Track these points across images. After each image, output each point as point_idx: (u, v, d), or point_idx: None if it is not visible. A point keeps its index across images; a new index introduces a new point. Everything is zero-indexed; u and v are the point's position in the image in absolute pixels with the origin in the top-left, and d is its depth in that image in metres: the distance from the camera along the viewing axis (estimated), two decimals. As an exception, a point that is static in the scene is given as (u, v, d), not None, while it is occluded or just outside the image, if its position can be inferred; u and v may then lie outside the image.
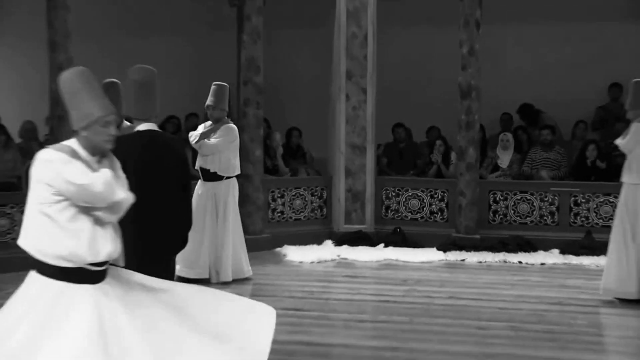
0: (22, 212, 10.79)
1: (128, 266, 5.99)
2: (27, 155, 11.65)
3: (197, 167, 9.97)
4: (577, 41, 13.47)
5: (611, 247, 9.08)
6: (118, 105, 8.75)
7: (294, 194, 12.59)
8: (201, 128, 10.07)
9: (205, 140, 9.82)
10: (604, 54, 13.32)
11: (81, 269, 4.34)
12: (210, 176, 9.88)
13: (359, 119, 12.49)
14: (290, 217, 12.56)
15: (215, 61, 13.86)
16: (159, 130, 6.43)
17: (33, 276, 4.41)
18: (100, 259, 4.38)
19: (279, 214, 12.47)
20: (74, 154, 4.38)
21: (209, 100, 9.91)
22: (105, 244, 4.41)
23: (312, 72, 13.50)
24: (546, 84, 13.62)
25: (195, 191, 9.62)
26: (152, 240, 6.09)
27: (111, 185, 4.37)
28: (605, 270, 9.19)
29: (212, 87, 9.96)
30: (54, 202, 4.28)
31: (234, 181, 10.10)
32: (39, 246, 4.32)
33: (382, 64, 12.60)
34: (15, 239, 10.45)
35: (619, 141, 9.51)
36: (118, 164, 4.66)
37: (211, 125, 9.97)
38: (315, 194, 12.74)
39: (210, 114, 9.96)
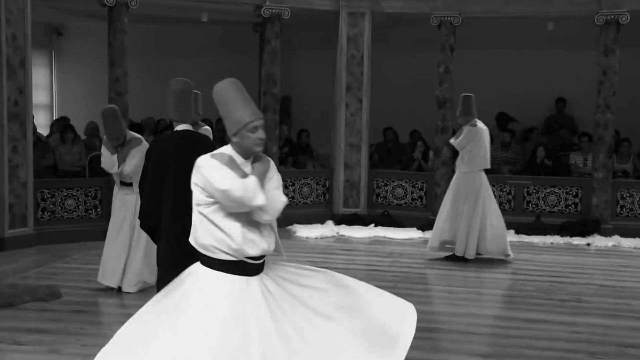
0: (86, 194, 10.88)
1: (172, 233, 6.05)
2: (90, 150, 11.68)
3: None
4: (531, 63, 13.43)
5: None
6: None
7: (302, 182, 12.56)
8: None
9: None
10: (552, 74, 13.28)
11: (241, 262, 3.94)
12: None
13: (355, 123, 12.46)
14: (299, 202, 12.53)
15: (240, 75, 13.65)
16: (192, 130, 6.42)
17: (199, 269, 4.05)
18: (256, 253, 3.96)
19: (290, 199, 12.43)
20: (228, 160, 3.98)
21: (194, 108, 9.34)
22: (261, 240, 3.99)
23: (319, 85, 13.46)
24: (506, 98, 13.57)
25: None
26: (189, 218, 6.09)
27: (251, 191, 3.87)
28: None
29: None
30: (209, 204, 3.94)
31: None
32: (202, 242, 4.00)
33: (375, 79, 12.57)
34: (80, 216, 10.62)
35: (452, 140, 9.89)
36: (271, 165, 4.16)
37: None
38: (320, 183, 12.71)
39: (195, 118, 9.26)
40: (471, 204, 9.49)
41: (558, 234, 11.40)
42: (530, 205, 12.15)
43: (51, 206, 10.59)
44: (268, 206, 3.96)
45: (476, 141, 9.55)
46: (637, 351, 6.25)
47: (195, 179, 3.99)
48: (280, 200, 4.09)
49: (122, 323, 6.80)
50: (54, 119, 13.98)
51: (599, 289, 8.44)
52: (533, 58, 13.43)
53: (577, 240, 11.17)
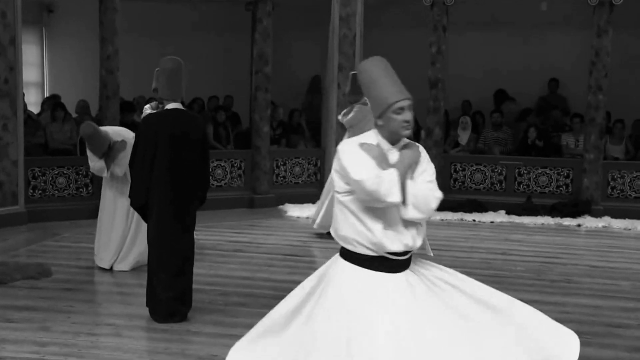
0: (77, 172, 10.80)
1: (164, 211, 6.04)
2: (81, 128, 11.62)
3: None
4: (524, 44, 13.42)
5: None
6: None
7: (294, 162, 12.54)
8: (149, 108, 8.60)
9: None
10: (546, 55, 13.26)
11: (382, 257, 3.63)
12: None
13: (347, 104, 12.38)
14: (291, 181, 12.52)
15: (233, 55, 13.80)
16: (183, 108, 6.41)
17: (339, 262, 3.77)
18: (398, 249, 3.64)
19: (282, 178, 12.43)
20: (371, 147, 3.64)
21: (154, 84, 9.06)
22: (404, 235, 3.65)
23: (312, 64, 13.40)
24: (499, 78, 13.59)
25: None
26: (180, 192, 6.11)
27: (386, 186, 3.51)
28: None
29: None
30: (347, 192, 3.63)
31: None
32: (342, 234, 3.69)
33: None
34: (71, 194, 10.59)
35: (341, 117, 9.77)
36: (422, 155, 3.80)
37: (158, 105, 8.61)
38: (311, 162, 12.69)
39: (157, 96, 8.94)
40: None
41: (549, 215, 11.42)
42: (521, 186, 12.17)
43: (42, 184, 10.55)
44: (419, 203, 3.61)
45: (367, 120, 9.53)
46: (625, 331, 6.28)
47: (335, 164, 3.70)
48: (434, 196, 3.67)
49: (112, 301, 6.83)
50: (45, 96, 13.89)
51: (589, 270, 8.47)
52: (526, 39, 13.40)
53: (567, 221, 11.20)
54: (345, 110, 9.73)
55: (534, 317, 3.95)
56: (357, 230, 3.63)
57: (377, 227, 3.59)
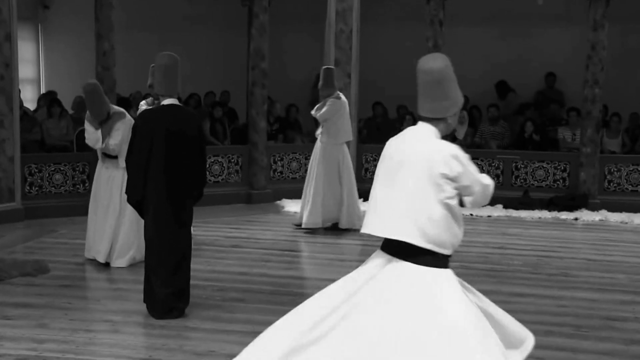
0: (73, 169, 10.76)
1: (160, 207, 6.04)
2: (78, 124, 11.60)
3: None
4: (521, 39, 13.41)
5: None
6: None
7: (290, 157, 12.53)
8: (144, 104, 8.68)
9: None
10: (543, 50, 13.26)
11: (448, 255, 3.68)
12: None
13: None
14: (288, 176, 12.51)
15: (229, 50, 13.78)
16: (179, 104, 6.41)
17: (408, 267, 3.62)
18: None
19: (279, 174, 12.43)
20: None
21: (150, 81, 8.52)
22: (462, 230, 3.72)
23: (308, 59, 13.39)
24: (496, 72, 13.59)
25: None
26: (177, 188, 6.11)
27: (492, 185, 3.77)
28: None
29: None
30: (453, 196, 3.61)
31: None
32: (442, 238, 3.59)
33: (363, 54, 12.52)
34: (67, 190, 10.58)
35: (314, 112, 9.79)
36: None
37: (154, 102, 8.37)
38: (308, 158, 12.63)
39: (153, 93, 8.15)
40: (336, 175, 9.60)
41: (546, 209, 11.44)
42: (518, 180, 12.18)
43: (38, 181, 10.53)
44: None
45: (340, 114, 9.63)
46: (622, 324, 6.29)
47: (447, 169, 3.59)
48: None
49: (110, 297, 6.81)
50: (41, 93, 13.88)
51: (586, 263, 8.49)
52: (523, 33, 13.40)
53: (564, 215, 11.21)
54: (318, 105, 9.76)
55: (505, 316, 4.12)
56: (454, 232, 3.64)
57: (461, 227, 3.70)
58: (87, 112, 7.90)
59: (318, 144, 9.77)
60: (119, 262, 7.78)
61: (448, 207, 3.60)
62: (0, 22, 9.72)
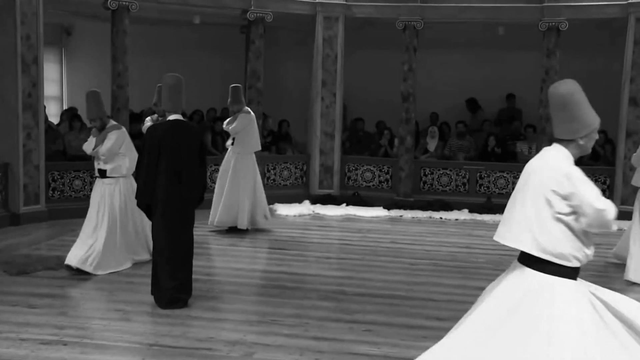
0: (91, 175, 10.68)
1: (167, 210, 6.02)
2: (95, 136, 11.54)
3: None
4: (485, 63, 13.45)
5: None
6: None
7: (282, 166, 12.52)
8: (149, 120, 8.80)
9: None
10: (504, 72, 13.30)
11: (578, 268, 3.50)
12: None
13: (330, 114, 12.42)
14: (280, 183, 12.50)
15: (228, 71, 13.74)
16: (184, 120, 6.41)
17: (542, 278, 3.51)
18: (590, 258, 3.54)
19: (272, 181, 12.41)
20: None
21: (155, 99, 8.80)
22: (591, 246, 3.54)
23: (298, 80, 13.40)
24: (464, 93, 13.63)
25: None
26: (180, 195, 6.10)
27: (614, 216, 3.44)
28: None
29: (157, 87, 8.51)
30: (569, 213, 3.44)
31: None
32: (560, 250, 3.45)
33: (347, 76, 12.54)
34: (86, 195, 10.51)
35: (225, 126, 9.58)
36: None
37: (158, 118, 8.59)
38: (298, 167, 12.68)
39: (158, 110, 8.66)
40: (250, 182, 9.46)
41: (506, 213, 11.44)
42: (482, 187, 12.22)
43: (60, 186, 10.49)
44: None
45: (250, 127, 9.54)
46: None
47: (558, 186, 3.45)
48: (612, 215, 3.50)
49: (122, 289, 6.78)
50: (64, 109, 13.81)
51: (540, 261, 8.49)
52: (486, 58, 13.44)
53: (522, 218, 11.21)
54: (229, 120, 9.53)
55: None
56: (576, 246, 3.47)
57: (590, 240, 3.51)
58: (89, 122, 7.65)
59: (230, 154, 9.49)
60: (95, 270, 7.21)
61: (564, 222, 3.45)
62: (29, 47, 9.69)
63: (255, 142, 9.65)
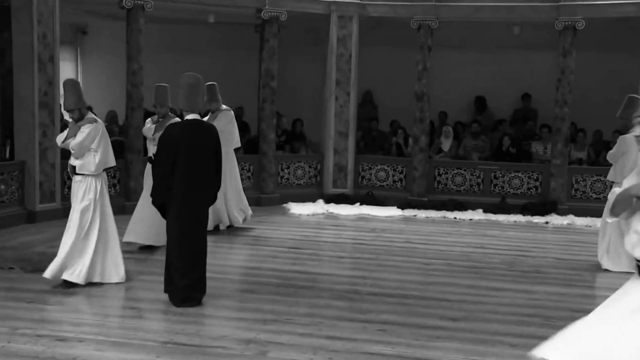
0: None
1: (182, 209, 6.04)
2: (110, 135, 11.56)
3: (149, 154, 8.42)
4: (500, 63, 13.39)
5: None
6: (166, 102, 8.70)
7: (296, 165, 12.53)
8: (149, 122, 8.73)
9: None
10: (520, 72, 13.25)
11: None
12: None
13: (344, 114, 12.41)
14: (294, 182, 12.51)
15: (243, 70, 13.79)
16: (201, 119, 6.42)
17: None
18: None
19: (286, 180, 12.43)
20: None
21: (154, 100, 8.64)
22: None
23: (312, 79, 13.41)
24: (479, 92, 13.58)
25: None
26: (195, 195, 6.12)
27: None
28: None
29: (155, 87, 8.58)
30: None
31: None
32: None
33: (361, 75, 12.53)
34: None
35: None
36: None
37: (158, 120, 8.57)
38: (312, 166, 12.68)
39: (157, 111, 8.60)
40: (234, 180, 9.52)
41: (520, 213, 11.42)
42: (496, 187, 12.17)
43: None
44: None
45: (232, 123, 9.50)
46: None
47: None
48: None
49: (136, 287, 6.81)
50: (78, 107, 13.88)
51: (555, 262, 8.49)
52: (501, 58, 13.38)
53: (537, 219, 11.20)
54: (208, 118, 9.17)
55: None
56: None
57: None
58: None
59: None
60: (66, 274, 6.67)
61: None
62: (45, 46, 9.76)
63: (236, 140, 9.63)
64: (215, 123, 8.64)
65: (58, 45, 10.00)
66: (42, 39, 9.73)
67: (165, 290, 6.27)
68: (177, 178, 6.10)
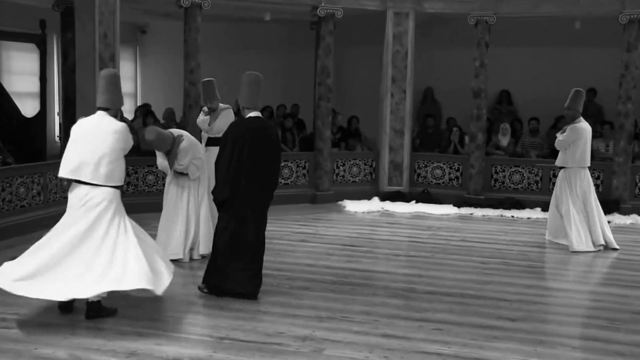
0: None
1: (242, 206, 6.11)
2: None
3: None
4: (560, 59, 13.15)
5: None
6: (214, 98, 8.71)
7: (352, 163, 12.51)
8: (202, 115, 8.80)
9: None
10: (580, 69, 12.96)
11: None
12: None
13: (399, 111, 12.34)
14: (349, 180, 12.50)
15: (299, 68, 13.85)
16: (261, 116, 6.50)
17: None
18: None
19: (341, 177, 12.43)
20: None
21: (203, 96, 8.77)
22: None
23: (368, 76, 13.38)
24: (535, 88, 13.34)
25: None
26: (257, 189, 6.19)
27: None
28: None
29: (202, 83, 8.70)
30: None
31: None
32: None
33: (417, 72, 12.44)
34: (159, 189, 10.74)
35: (202, 124, 8.74)
36: None
37: (210, 111, 8.65)
38: (367, 163, 12.65)
39: (209, 106, 8.62)
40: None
41: (581, 212, 11.16)
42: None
43: (134, 181, 10.76)
44: None
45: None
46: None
47: None
48: None
49: (191, 283, 6.88)
50: (138, 105, 14.17)
51: (617, 262, 8.29)
52: (562, 54, 13.14)
53: (598, 218, 10.93)
54: (203, 119, 8.80)
55: None
56: None
57: None
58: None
59: (207, 154, 8.33)
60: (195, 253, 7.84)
61: None
62: (106, 45, 9.96)
63: None
64: (217, 122, 8.70)
65: (118, 45, 10.19)
66: (103, 38, 9.94)
67: (204, 281, 6.41)
68: (238, 175, 6.17)
